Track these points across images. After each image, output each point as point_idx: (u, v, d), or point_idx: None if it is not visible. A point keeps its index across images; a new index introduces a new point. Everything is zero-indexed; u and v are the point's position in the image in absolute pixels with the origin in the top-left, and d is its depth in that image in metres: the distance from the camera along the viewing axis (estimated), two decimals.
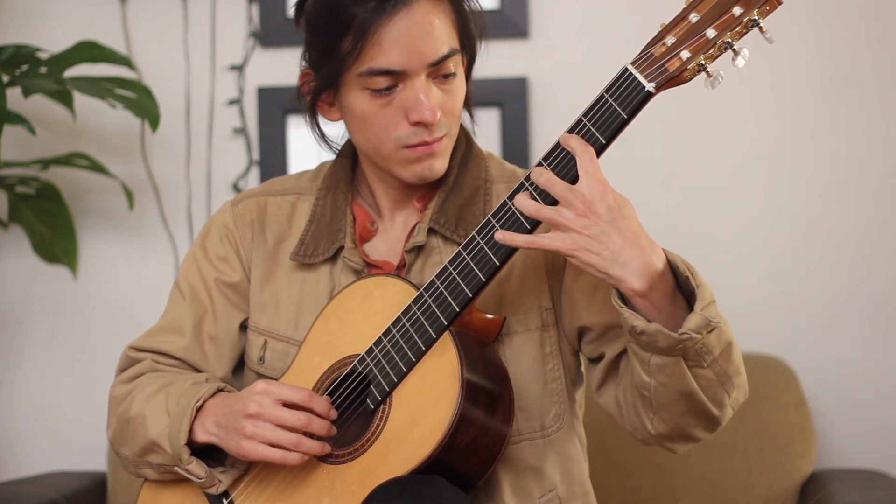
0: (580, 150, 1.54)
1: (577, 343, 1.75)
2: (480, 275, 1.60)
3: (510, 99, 2.64)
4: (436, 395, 1.59)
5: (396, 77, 1.66)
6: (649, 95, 1.51)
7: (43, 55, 2.51)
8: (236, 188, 2.72)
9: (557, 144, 1.56)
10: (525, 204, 1.55)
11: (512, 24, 2.64)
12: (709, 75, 1.50)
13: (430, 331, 1.62)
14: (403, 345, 1.63)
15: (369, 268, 1.77)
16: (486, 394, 1.60)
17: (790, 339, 2.61)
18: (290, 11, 2.66)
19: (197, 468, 1.68)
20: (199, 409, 1.68)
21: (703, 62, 1.50)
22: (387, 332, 1.65)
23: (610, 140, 1.54)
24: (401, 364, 1.63)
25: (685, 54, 1.50)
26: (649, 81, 1.51)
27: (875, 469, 2.50)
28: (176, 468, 1.70)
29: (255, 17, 2.71)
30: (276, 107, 2.69)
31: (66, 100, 2.43)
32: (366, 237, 1.80)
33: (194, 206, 2.73)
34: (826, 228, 2.62)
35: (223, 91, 2.73)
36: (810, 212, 2.62)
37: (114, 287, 2.74)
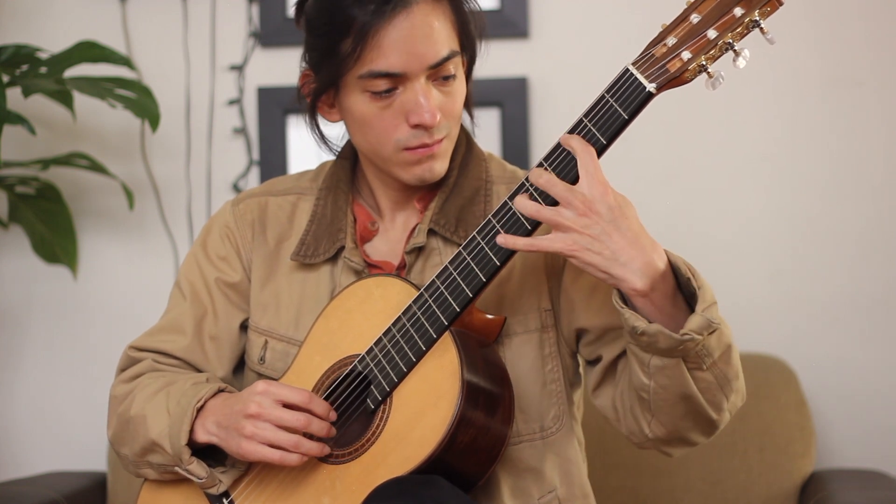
0: (581, 150, 1.54)
1: (574, 345, 1.75)
2: (481, 275, 1.60)
3: (510, 99, 2.64)
4: (436, 395, 1.59)
5: (396, 79, 1.65)
6: (650, 96, 1.51)
7: (43, 55, 2.51)
8: (236, 188, 2.72)
9: (558, 145, 1.56)
10: (525, 205, 1.55)
11: (512, 24, 2.64)
12: (710, 76, 1.50)
13: (431, 331, 1.62)
14: (404, 345, 1.63)
15: (370, 268, 1.76)
16: (487, 394, 1.60)
17: (790, 339, 2.61)
18: (290, 11, 2.66)
19: (197, 468, 1.68)
20: (199, 410, 1.68)
21: (704, 63, 1.50)
22: (387, 332, 1.65)
23: (611, 140, 1.54)
24: (401, 364, 1.63)
25: (686, 55, 1.50)
26: (650, 82, 1.51)
27: (875, 469, 2.50)
28: (176, 468, 1.70)
29: (255, 17, 2.71)
30: (276, 107, 2.69)
31: (66, 100, 2.43)
32: (366, 237, 1.80)
33: (194, 206, 2.73)
34: (826, 228, 2.62)
35: (223, 91, 2.73)
36: (810, 212, 2.63)
37: (114, 287, 2.74)
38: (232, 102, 2.73)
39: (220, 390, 1.71)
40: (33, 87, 2.40)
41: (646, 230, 1.54)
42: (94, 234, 2.74)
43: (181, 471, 1.69)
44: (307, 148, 2.66)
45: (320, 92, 1.72)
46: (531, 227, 1.57)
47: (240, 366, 1.85)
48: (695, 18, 1.50)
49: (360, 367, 1.66)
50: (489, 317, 1.68)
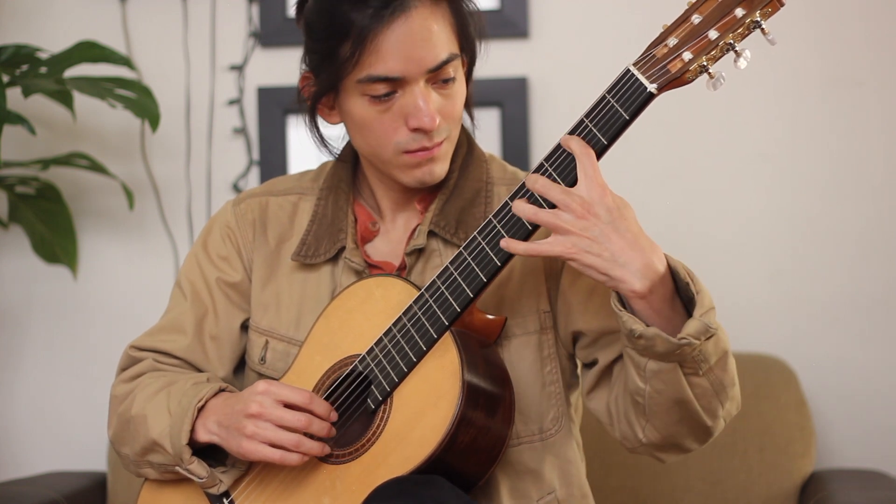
0: (580, 152, 1.54)
1: (571, 347, 1.74)
2: (482, 275, 1.60)
3: (510, 99, 2.64)
4: (436, 395, 1.59)
5: (395, 83, 1.65)
6: (651, 96, 1.51)
7: (43, 55, 2.51)
8: (236, 188, 2.72)
9: (559, 145, 1.56)
10: (523, 208, 1.55)
11: (512, 24, 2.64)
12: (711, 77, 1.50)
13: (432, 331, 1.62)
14: (404, 345, 1.63)
15: (370, 268, 1.76)
16: (487, 394, 1.60)
17: (790, 339, 2.61)
18: (290, 11, 2.67)
19: (198, 468, 1.68)
20: (200, 409, 1.68)
21: (705, 63, 1.50)
22: (388, 332, 1.65)
23: (612, 141, 1.54)
24: (402, 364, 1.63)
25: (687, 55, 1.50)
26: (651, 82, 1.51)
27: (875, 469, 2.50)
28: (177, 468, 1.70)
29: (255, 17, 2.71)
30: (276, 107, 2.69)
31: (66, 100, 2.43)
32: (367, 238, 1.80)
33: (194, 206, 2.73)
34: (826, 228, 2.62)
35: (223, 91, 2.73)
36: (810, 212, 2.63)
37: (114, 287, 2.74)
38: (232, 102, 2.73)
39: (221, 390, 1.71)
40: (33, 87, 2.40)
41: (644, 232, 1.54)
42: (94, 234, 2.74)
43: (182, 470, 1.69)
44: (307, 148, 2.64)
45: (320, 95, 1.72)
46: (532, 227, 1.57)
47: (240, 366, 1.85)
48: (696, 19, 1.50)
49: (360, 367, 1.66)
50: (490, 317, 1.68)
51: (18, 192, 2.63)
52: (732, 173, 2.64)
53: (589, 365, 1.72)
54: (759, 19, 1.48)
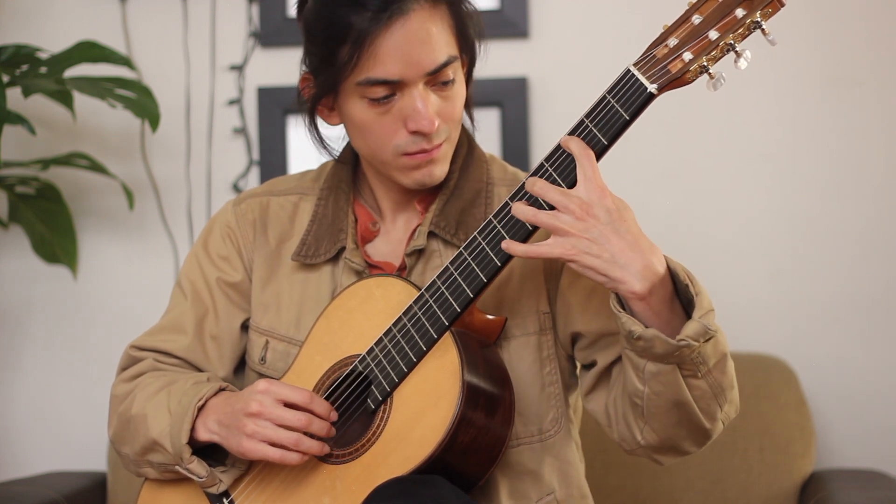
0: (580, 153, 1.53)
1: (570, 348, 1.74)
2: (482, 275, 1.60)
3: (510, 99, 2.64)
4: (436, 395, 1.59)
5: (394, 86, 1.65)
6: (651, 97, 1.51)
7: (43, 55, 2.51)
8: (236, 188, 2.72)
9: (559, 146, 1.56)
10: (522, 210, 1.55)
11: (512, 24, 2.64)
12: (711, 77, 1.50)
13: (432, 331, 1.62)
14: (404, 345, 1.63)
15: (371, 268, 1.76)
16: (487, 394, 1.60)
17: (790, 339, 2.61)
18: (290, 11, 2.67)
19: (198, 467, 1.68)
20: (201, 408, 1.68)
21: (705, 64, 1.50)
22: (388, 332, 1.65)
23: (612, 141, 1.54)
24: (402, 364, 1.63)
25: (688, 56, 1.50)
26: (651, 83, 1.51)
27: (875, 469, 2.50)
28: (177, 467, 1.70)
29: (255, 17, 2.71)
30: (276, 107, 2.69)
31: (66, 100, 2.43)
32: (367, 238, 1.80)
33: (194, 206, 2.73)
34: (826, 228, 2.62)
35: (223, 91, 2.73)
36: (810, 212, 2.63)
37: (114, 287, 2.74)
38: (232, 102, 2.73)
39: (222, 389, 1.71)
40: (33, 87, 2.40)
41: (644, 233, 1.54)
42: (94, 234, 2.74)
43: (181, 470, 1.69)
44: (307, 148, 2.64)
45: (319, 96, 1.72)
46: (532, 227, 1.57)
47: (241, 365, 1.85)
48: (696, 19, 1.50)
49: (360, 367, 1.66)
50: (490, 317, 1.68)
51: (18, 192, 2.63)
52: (732, 173, 2.64)
53: (588, 366, 1.72)
54: (759, 20, 1.48)
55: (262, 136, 2.71)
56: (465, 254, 1.61)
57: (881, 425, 2.61)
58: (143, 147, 2.73)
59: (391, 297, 1.67)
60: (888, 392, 2.61)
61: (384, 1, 1.61)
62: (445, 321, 1.61)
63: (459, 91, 1.70)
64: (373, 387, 1.65)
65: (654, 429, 1.61)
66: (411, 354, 1.62)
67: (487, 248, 1.59)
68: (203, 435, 1.67)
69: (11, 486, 2.39)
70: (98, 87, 2.45)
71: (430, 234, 1.74)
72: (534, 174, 1.57)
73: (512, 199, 1.58)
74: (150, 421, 1.71)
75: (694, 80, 1.52)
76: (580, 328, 1.70)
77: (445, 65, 1.66)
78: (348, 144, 1.83)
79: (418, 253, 1.74)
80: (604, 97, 1.54)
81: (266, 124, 2.70)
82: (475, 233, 1.61)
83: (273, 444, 1.60)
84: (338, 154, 1.85)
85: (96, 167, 2.59)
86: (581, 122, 1.55)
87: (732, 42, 1.49)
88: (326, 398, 1.67)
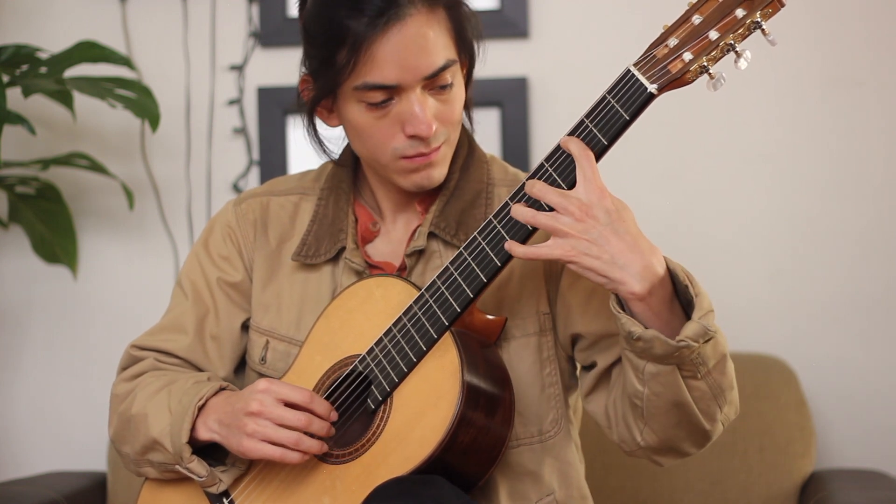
0: (579, 154, 1.53)
1: (570, 349, 1.74)
2: (482, 275, 1.60)
3: (510, 99, 2.64)
4: (436, 395, 1.59)
5: (391, 91, 1.65)
6: (651, 97, 1.51)
7: (43, 55, 2.51)
8: (236, 188, 2.72)
9: (559, 146, 1.56)
10: (521, 212, 1.55)
11: (512, 24, 2.64)
12: (711, 77, 1.50)
13: (432, 331, 1.62)
14: (404, 345, 1.63)
15: (371, 269, 1.76)
16: (487, 395, 1.60)
17: (790, 339, 2.61)
18: (290, 11, 2.67)
19: (198, 467, 1.68)
20: (201, 408, 1.68)
21: (705, 64, 1.50)
22: (388, 332, 1.65)
23: (612, 141, 1.54)
24: (402, 364, 1.63)
25: (688, 56, 1.50)
26: (651, 83, 1.51)
27: (875, 469, 2.50)
28: (177, 467, 1.70)
29: (255, 17, 2.71)
30: (276, 107, 2.69)
31: (66, 100, 2.43)
32: (368, 238, 1.80)
33: (194, 206, 2.73)
34: (826, 228, 2.62)
35: (223, 91, 2.73)
36: (810, 212, 2.63)
37: (114, 287, 2.74)
38: (232, 102, 2.73)
39: (222, 388, 1.71)
40: (33, 87, 2.40)
41: (643, 234, 1.54)
42: (94, 234, 2.74)
43: (182, 469, 1.69)
44: (307, 148, 2.64)
45: (318, 99, 1.72)
46: (532, 227, 1.57)
47: (241, 365, 1.85)
48: (696, 20, 1.50)
49: (360, 367, 1.66)
50: (490, 317, 1.68)
51: (18, 192, 2.63)
52: (732, 173, 2.64)
53: (588, 367, 1.72)
54: (759, 20, 1.48)
55: (262, 136, 2.71)
56: (466, 254, 1.61)
57: (881, 425, 2.61)
58: (143, 147, 2.73)
59: (391, 298, 1.67)
60: (888, 392, 2.61)
61: (381, 6, 1.61)
62: (445, 321, 1.61)
63: (458, 94, 1.70)
64: (373, 387, 1.65)
65: (653, 430, 1.61)
66: (411, 354, 1.62)
67: (487, 249, 1.59)
68: (203, 434, 1.67)
69: (11, 486, 2.39)
70: (98, 87, 2.45)
71: (431, 235, 1.74)
72: (534, 175, 1.57)
73: (512, 199, 1.58)
74: (151, 420, 1.71)
75: (694, 80, 1.52)
76: (580, 329, 1.70)
77: (443, 69, 1.65)
78: (348, 146, 1.83)
79: (418, 253, 1.74)
80: (604, 97, 1.54)
81: (266, 124, 2.70)
82: (475, 233, 1.61)
83: (273, 444, 1.60)
84: (336, 156, 1.85)
85: (96, 167, 2.59)
86: (581, 123, 1.55)
87: (732, 42, 1.49)
88: (326, 398, 1.67)
